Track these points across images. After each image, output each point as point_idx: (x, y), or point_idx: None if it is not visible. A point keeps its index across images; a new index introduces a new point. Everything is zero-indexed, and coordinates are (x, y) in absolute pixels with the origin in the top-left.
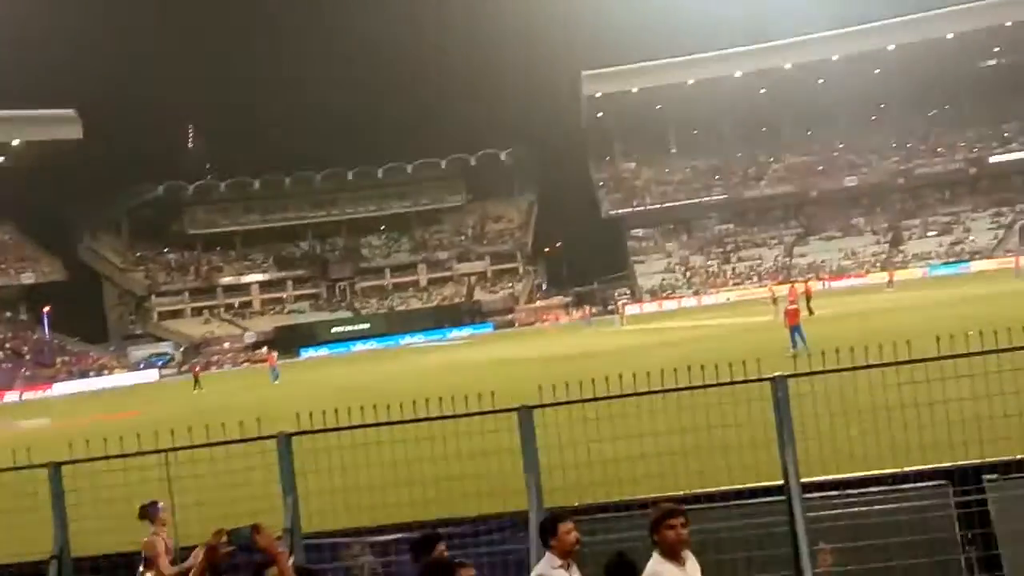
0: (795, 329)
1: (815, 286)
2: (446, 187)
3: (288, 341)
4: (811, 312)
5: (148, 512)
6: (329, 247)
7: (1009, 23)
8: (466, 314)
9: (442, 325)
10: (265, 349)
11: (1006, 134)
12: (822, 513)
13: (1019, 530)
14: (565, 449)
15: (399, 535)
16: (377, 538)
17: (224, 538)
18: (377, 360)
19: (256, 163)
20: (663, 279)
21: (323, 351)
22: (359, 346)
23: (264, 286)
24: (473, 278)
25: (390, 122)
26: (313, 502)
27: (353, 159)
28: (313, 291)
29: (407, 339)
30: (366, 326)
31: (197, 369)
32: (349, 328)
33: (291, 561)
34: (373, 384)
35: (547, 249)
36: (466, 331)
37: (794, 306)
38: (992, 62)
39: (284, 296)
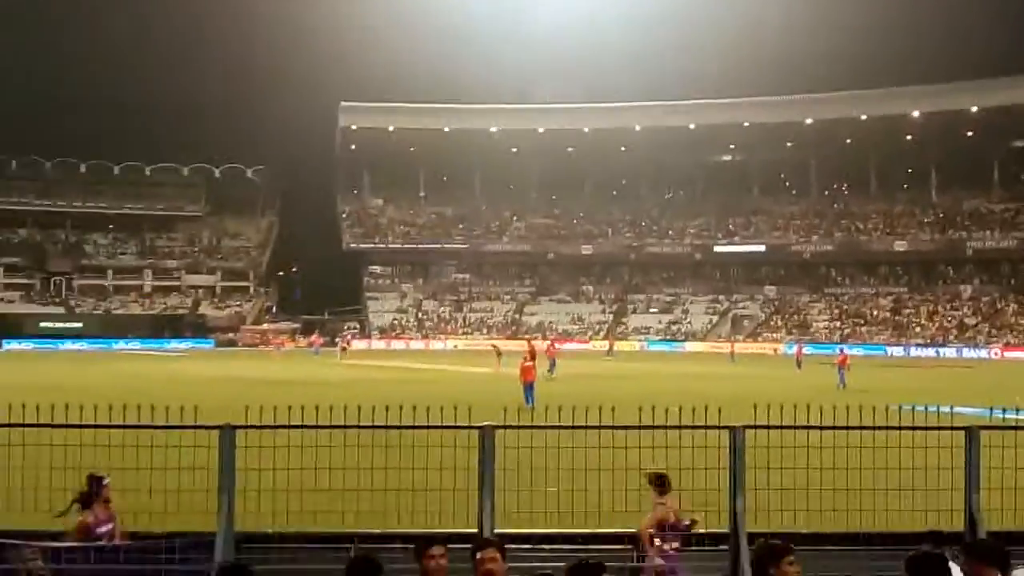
0: (528, 386)
1: (540, 346)
2: (185, 195)
3: None
4: (552, 372)
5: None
6: (50, 239)
7: (746, 123)
8: (188, 327)
9: (162, 335)
10: None
11: (731, 227)
12: (512, 564)
13: None
14: (264, 474)
15: (76, 543)
16: (51, 544)
17: None
18: (83, 361)
19: None
20: (395, 319)
21: (28, 344)
22: (68, 344)
23: None
24: (201, 291)
25: (134, 119)
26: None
27: (89, 151)
28: (27, 281)
29: (122, 344)
30: (79, 325)
31: None
32: (60, 325)
33: None
34: (72, 385)
35: (282, 273)
36: (186, 344)
37: (529, 363)
38: (727, 157)
39: None
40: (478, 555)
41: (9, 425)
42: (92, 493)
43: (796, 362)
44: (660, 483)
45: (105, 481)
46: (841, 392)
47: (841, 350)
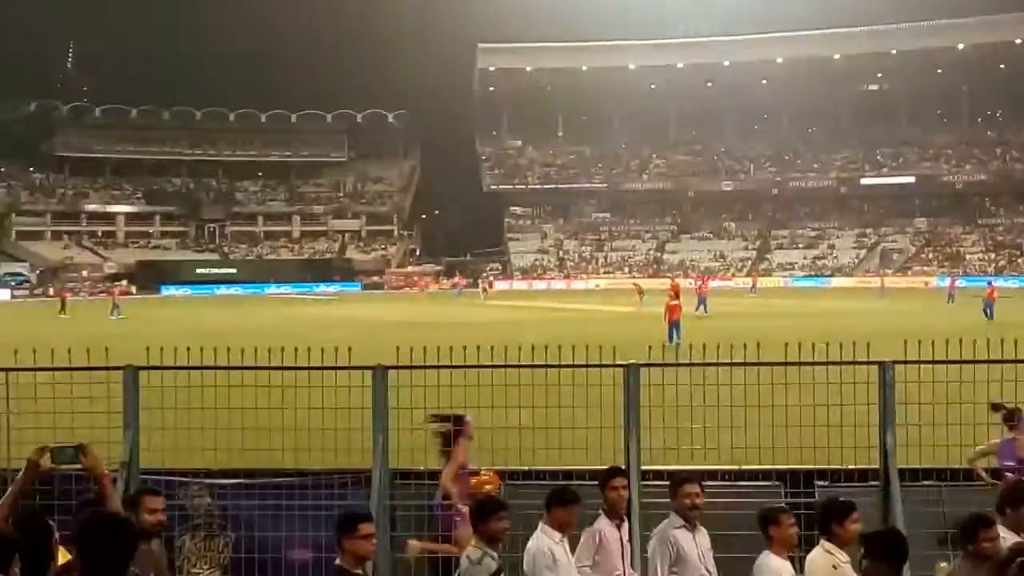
0: (674, 324)
1: (685, 283)
2: (329, 141)
3: (149, 276)
4: (704, 309)
5: None
6: (203, 187)
7: (894, 51)
8: (336, 271)
9: (310, 279)
10: (124, 282)
11: (879, 158)
12: (657, 500)
13: None
14: (416, 412)
15: (240, 480)
16: (217, 481)
17: (47, 455)
18: (239, 305)
19: (137, 91)
20: (536, 259)
21: (185, 290)
22: (223, 290)
23: (131, 218)
24: (347, 235)
25: (278, 69)
26: (155, 438)
27: (237, 101)
28: (181, 229)
29: (273, 288)
30: (232, 271)
31: (66, 294)
32: (215, 271)
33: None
34: (232, 328)
35: (424, 216)
36: (334, 287)
37: (675, 302)
38: (874, 87)
39: (151, 231)
40: (609, 482)
41: (171, 368)
42: (454, 433)
43: (948, 295)
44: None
45: (468, 419)
46: (991, 325)
47: (989, 282)
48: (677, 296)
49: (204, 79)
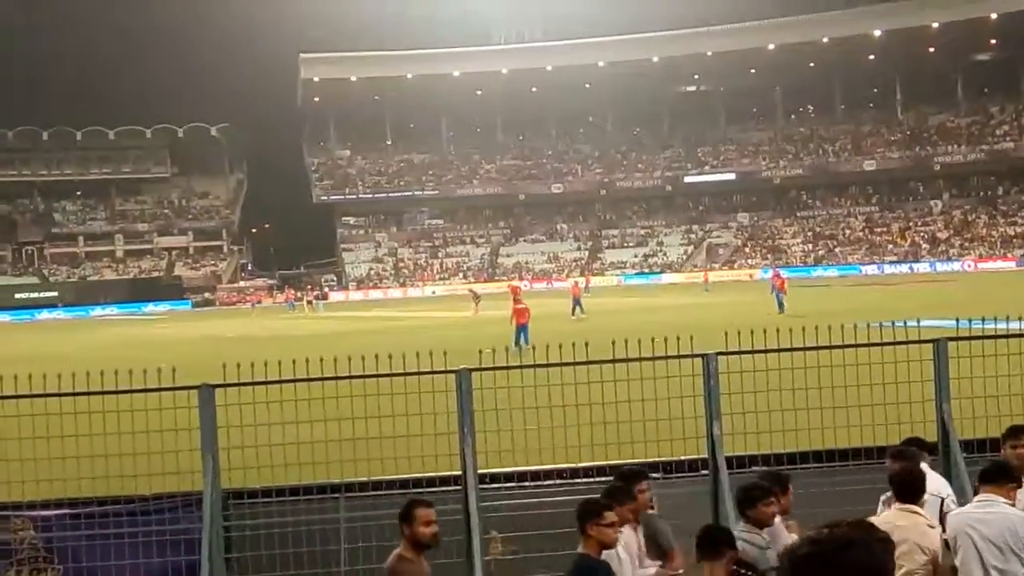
0: (521, 328)
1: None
2: (151, 157)
3: None
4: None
5: None
6: (18, 208)
7: (709, 53)
8: (164, 289)
9: (137, 298)
10: None
11: (700, 156)
12: (496, 503)
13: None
14: (246, 431)
15: (64, 511)
16: (40, 512)
17: None
18: (61, 329)
19: None
20: (371, 268)
21: (3, 317)
22: (44, 314)
23: None
24: (174, 252)
25: (93, 84)
26: None
27: (50, 119)
28: None
29: (98, 311)
30: (54, 294)
31: None
32: (35, 295)
33: None
34: (53, 353)
35: (255, 230)
36: (163, 306)
37: (521, 305)
38: (692, 88)
39: None
40: (637, 486)
41: None
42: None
43: (771, 287)
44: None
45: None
46: (782, 318)
47: (776, 272)
48: (520, 300)
49: (13, 99)
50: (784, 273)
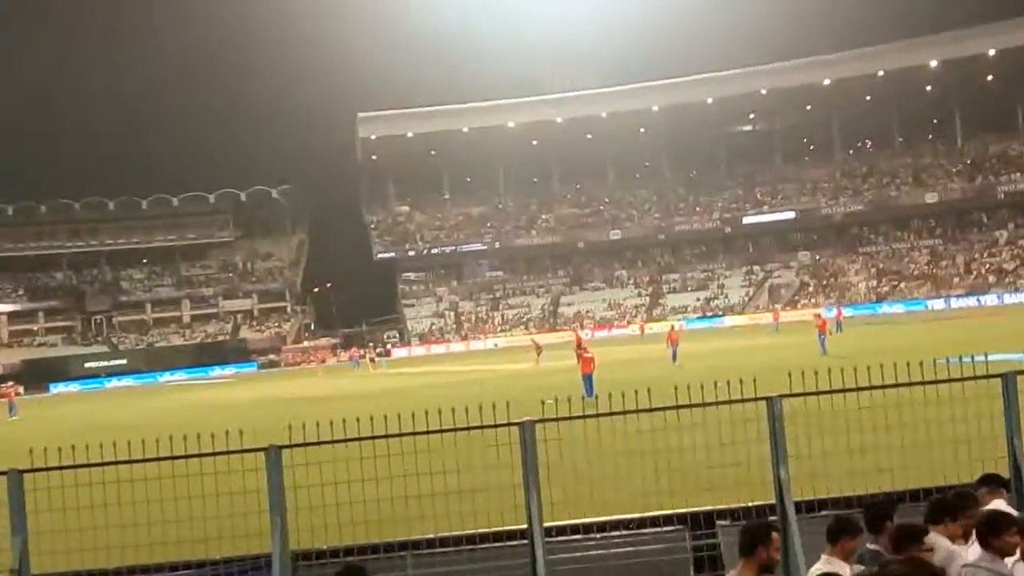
0: (587, 377)
1: (585, 335)
2: (214, 222)
3: (37, 375)
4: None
5: None
6: (86, 279)
7: (764, 91)
8: (230, 352)
9: (204, 363)
10: (11, 384)
11: (758, 196)
12: (563, 556)
13: None
14: (313, 490)
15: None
16: None
17: None
18: (131, 397)
19: (9, 188)
20: (433, 323)
21: (74, 386)
22: (115, 382)
23: (13, 317)
24: (239, 315)
25: (157, 153)
26: (45, 542)
27: (116, 189)
28: (67, 324)
29: (166, 376)
30: (123, 362)
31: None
32: (104, 363)
33: None
34: (125, 422)
35: (317, 289)
36: (229, 369)
37: (588, 355)
38: (747, 128)
39: (35, 328)
40: (772, 536)
41: (55, 468)
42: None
43: (836, 324)
44: None
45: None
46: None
47: (818, 315)
48: (586, 350)
49: (81, 170)
50: (826, 314)
